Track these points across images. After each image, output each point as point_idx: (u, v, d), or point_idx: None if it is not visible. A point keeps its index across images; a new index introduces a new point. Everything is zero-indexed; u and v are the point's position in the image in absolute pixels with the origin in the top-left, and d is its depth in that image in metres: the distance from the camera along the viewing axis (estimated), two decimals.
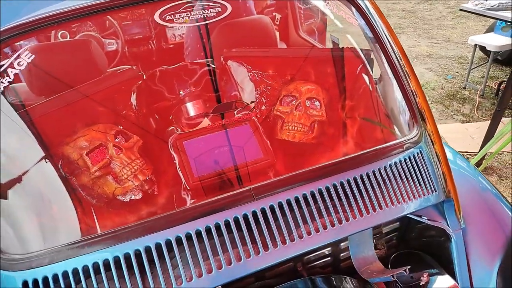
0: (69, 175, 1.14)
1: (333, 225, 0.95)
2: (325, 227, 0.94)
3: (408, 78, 1.33)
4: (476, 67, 4.49)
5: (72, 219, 1.10)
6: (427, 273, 1.20)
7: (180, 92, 1.50)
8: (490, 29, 4.40)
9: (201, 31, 1.59)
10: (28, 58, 1.03)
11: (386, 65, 1.35)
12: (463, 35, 5.96)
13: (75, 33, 2.68)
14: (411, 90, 1.30)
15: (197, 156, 1.18)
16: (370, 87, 1.38)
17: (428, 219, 1.27)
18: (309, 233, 0.93)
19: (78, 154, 1.11)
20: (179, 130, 1.28)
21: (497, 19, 3.43)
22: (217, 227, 0.89)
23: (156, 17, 1.11)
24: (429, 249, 1.36)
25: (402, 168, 1.11)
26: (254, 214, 0.91)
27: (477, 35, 4.32)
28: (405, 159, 1.13)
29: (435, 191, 1.18)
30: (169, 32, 3.13)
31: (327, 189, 0.98)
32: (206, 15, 1.16)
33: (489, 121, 2.96)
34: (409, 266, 1.03)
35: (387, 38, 1.39)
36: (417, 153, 1.17)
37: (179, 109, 1.45)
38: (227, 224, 0.89)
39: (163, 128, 1.36)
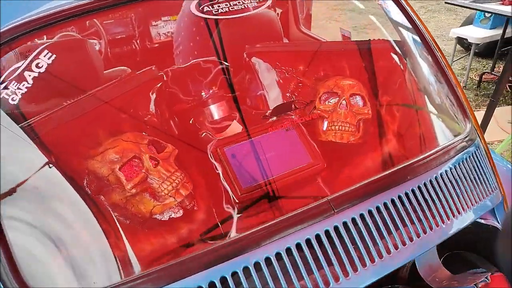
0: (97, 194, 0.98)
1: (418, 235, 0.85)
2: (411, 239, 0.84)
3: (448, 71, 1.26)
4: (457, 59, 4.57)
5: (106, 245, 0.94)
6: (484, 274, 1.13)
7: (202, 93, 1.35)
8: (467, 22, 4.49)
9: (209, 27, 1.45)
10: (49, 59, 0.86)
11: (427, 58, 1.27)
12: (437, 29, 6.08)
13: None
14: (455, 84, 1.23)
15: (241, 164, 1.05)
16: (410, 81, 1.29)
17: (480, 218, 1.20)
18: (396, 247, 0.82)
19: (109, 169, 0.95)
20: (214, 136, 1.14)
21: (486, 12, 3.48)
22: (298, 247, 0.77)
23: (193, 8, 0.97)
24: (473, 248, 1.30)
25: (469, 167, 1.03)
26: (336, 229, 0.79)
27: (458, 27, 4.39)
28: (468, 157, 1.05)
29: (496, 189, 1.11)
30: (153, 30, 2.96)
31: (406, 195, 0.88)
32: (246, 5, 1.03)
33: (475, 112, 2.98)
34: (490, 273, 0.96)
35: (424, 31, 1.32)
36: (475, 150, 1.09)
37: (204, 112, 1.31)
38: (308, 243, 0.77)
39: (189, 134, 1.21)
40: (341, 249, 0.78)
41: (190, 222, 1.03)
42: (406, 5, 1.35)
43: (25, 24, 0.86)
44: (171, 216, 1.00)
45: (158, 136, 1.10)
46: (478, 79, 4.15)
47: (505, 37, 3.83)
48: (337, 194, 0.83)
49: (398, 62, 1.33)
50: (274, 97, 1.35)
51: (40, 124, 0.97)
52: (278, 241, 0.76)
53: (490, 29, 4.05)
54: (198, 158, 1.10)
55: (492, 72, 4.00)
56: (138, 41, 2.96)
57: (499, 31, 3.92)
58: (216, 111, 1.32)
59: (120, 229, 0.98)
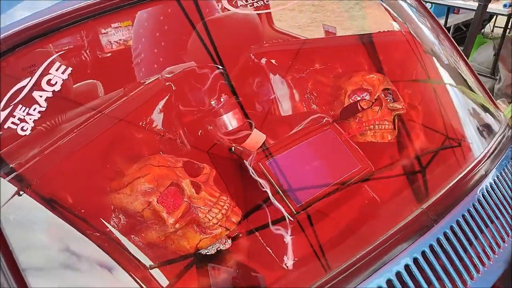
0: (128, 234, 0.80)
1: (508, 235, 0.79)
2: (503, 240, 0.77)
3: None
4: None
5: None
6: None
7: (212, 102, 1.19)
8: None
9: (198, 29, 1.30)
10: (63, 73, 0.67)
11: (448, 49, 1.24)
12: (374, 23, 6.32)
13: None
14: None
15: (288, 177, 0.92)
16: (430, 72, 1.25)
17: None
18: (494, 252, 0.75)
19: (144, 203, 0.77)
20: (251, 150, 0.99)
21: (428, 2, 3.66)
22: (407, 269, 0.66)
23: (225, 2, 0.83)
24: None
25: None
26: (439, 242, 0.70)
27: None
28: None
29: None
30: (104, 39, 2.71)
31: (488, 191, 0.81)
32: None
33: None
34: None
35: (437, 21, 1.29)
36: None
37: (220, 122, 1.15)
38: (415, 262, 0.67)
39: (216, 149, 1.06)
40: (449, 264, 0.69)
41: (239, 253, 0.88)
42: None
43: (26, 30, 0.66)
44: (219, 249, 0.85)
45: (181, 155, 0.93)
46: None
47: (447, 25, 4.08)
48: (430, 202, 0.73)
49: (414, 53, 1.27)
50: (291, 99, 1.23)
51: (44, 160, 0.76)
52: (385, 266, 0.65)
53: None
54: (233, 175, 0.96)
55: None
56: (88, 52, 2.68)
57: (441, 21, 4.15)
58: (232, 119, 1.17)
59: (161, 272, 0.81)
